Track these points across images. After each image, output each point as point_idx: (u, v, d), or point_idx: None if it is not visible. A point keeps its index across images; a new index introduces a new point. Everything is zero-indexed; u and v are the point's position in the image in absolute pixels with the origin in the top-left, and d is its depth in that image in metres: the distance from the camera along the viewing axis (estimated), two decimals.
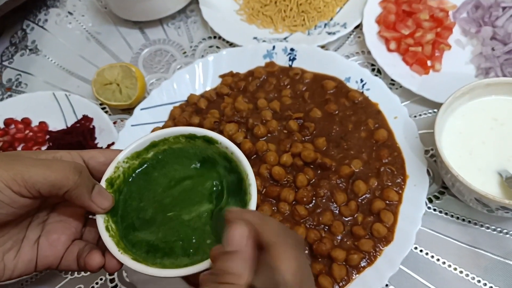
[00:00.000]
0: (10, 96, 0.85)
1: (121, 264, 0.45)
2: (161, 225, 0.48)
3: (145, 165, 0.52)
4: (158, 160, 0.53)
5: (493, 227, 0.61)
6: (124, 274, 0.63)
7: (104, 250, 0.46)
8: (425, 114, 0.72)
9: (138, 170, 0.52)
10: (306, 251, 0.59)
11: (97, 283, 0.64)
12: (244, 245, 0.34)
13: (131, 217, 0.49)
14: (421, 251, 0.61)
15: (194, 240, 0.47)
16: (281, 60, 0.77)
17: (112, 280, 0.64)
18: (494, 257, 0.59)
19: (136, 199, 0.50)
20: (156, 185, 0.51)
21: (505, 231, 0.61)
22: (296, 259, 0.34)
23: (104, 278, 0.64)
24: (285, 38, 0.83)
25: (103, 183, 0.48)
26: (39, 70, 0.88)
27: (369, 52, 0.76)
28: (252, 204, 0.46)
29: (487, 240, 0.61)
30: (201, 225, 0.48)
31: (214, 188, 0.51)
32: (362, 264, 0.58)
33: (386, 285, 0.59)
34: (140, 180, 0.51)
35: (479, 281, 0.58)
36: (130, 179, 0.51)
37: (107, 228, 0.46)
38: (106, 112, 0.79)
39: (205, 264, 0.42)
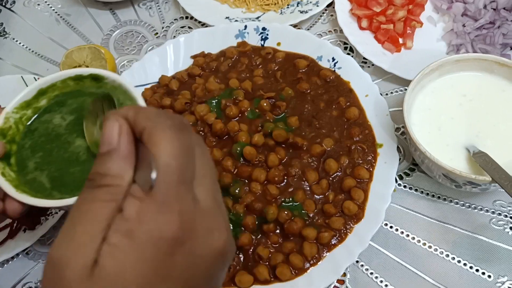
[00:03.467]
0: None
1: (23, 205, 0.47)
2: (57, 165, 0.51)
3: (39, 113, 0.54)
4: (53, 105, 0.55)
5: (461, 202, 0.62)
6: None
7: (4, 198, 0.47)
8: (396, 92, 0.72)
9: (33, 119, 0.54)
10: (278, 231, 0.60)
11: None
12: (117, 142, 0.29)
13: (29, 163, 0.51)
14: (391, 227, 0.61)
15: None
16: (253, 40, 0.76)
17: None
18: (462, 231, 0.60)
19: (36, 147, 0.52)
20: (53, 131, 0.53)
21: (473, 206, 0.62)
22: (177, 140, 0.29)
23: None
24: (257, 18, 0.82)
25: None
26: (7, 54, 0.86)
27: (341, 31, 0.76)
28: None
29: (455, 215, 0.61)
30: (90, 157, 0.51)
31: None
32: (333, 241, 0.58)
33: (357, 261, 0.59)
34: (38, 128, 0.54)
35: (447, 255, 0.59)
36: (27, 129, 0.53)
37: (2, 174, 0.48)
38: None
39: None
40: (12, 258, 0.65)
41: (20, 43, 0.87)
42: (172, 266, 0.28)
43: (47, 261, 0.28)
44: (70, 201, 0.46)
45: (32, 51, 0.86)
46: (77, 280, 0.26)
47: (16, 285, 0.63)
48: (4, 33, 0.89)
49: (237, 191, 0.61)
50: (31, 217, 0.65)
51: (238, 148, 0.63)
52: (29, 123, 0.54)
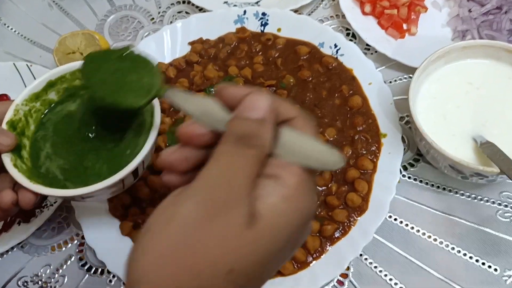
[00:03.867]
0: None
1: (36, 196, 0.47)
2: (70, 157, 0.51)
3: (52, 106, 0.54)
4: (65, 98, 0.54)
5: (467, 194, 0.61)
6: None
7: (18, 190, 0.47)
8: (400, 79, 0.70)
9: (47, 113, 0.54)
10: None
11: (66, 262, 0.62)
12: (269, 113, 0.32)
13: (42, 156, 0.51)
14: (395, 219, 0.60)
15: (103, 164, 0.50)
16: (253, 26, 0.74)
17: (81, 258, 0.62)
18: (469, 224, 0.59)
19: (48, 139, 0.52)
20: (66, 124, 0.53)
21: (479, 197, 0.60)
22: (312, 128, 0.33)
23: (73, 257, 0.63)
24: (257, 2, 0.79)
25: (4, 126, 0.49)
26: (0, 41, 0.83)
27: (343, 16, 0.74)
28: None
29: (461, 207, 0.60)
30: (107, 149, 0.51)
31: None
32: (336, 234, 0.57)
33: (360, 254, 0.58)
34: (50, 121, 0.53)
35: (453, 248, 0.58)
36: (39, 122, 0.53)
37: (15, 166, 0.47)
38: None
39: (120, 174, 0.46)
40: (7, 251, 0.63)
41: (12, 29, 0.84)
42: (298, 236, 0.32)
43: (192, 193, 0.30)
44: (81, 190, 0.46)
45: (25, 38, 0.83)
46: (242, 224, 0.29)
47: (12, 279, 0.62)
48: None
49: None
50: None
51: None
52: (42, 116, 0.54)
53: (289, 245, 0.31)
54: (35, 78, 0.74)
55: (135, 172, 0.48)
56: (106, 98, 0.44)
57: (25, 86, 0.74)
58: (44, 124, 0.53)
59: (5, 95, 0.74)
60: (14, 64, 0.75)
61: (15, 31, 0.84)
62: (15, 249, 0.64)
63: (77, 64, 0.53)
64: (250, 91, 0.33)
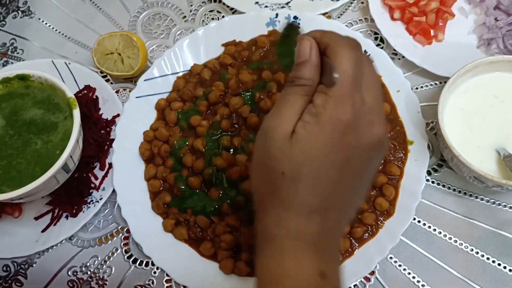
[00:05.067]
0: (7, 62, 0.84)
1: None
2: (4, 163, 0.62)
3: None
4: None
5: (487, 199, 0.65)
6: (139, 246, 0.66)
7: None
8: (426, 86, 0.73)
9: None
10: None
11: (112, 254, 0.67)
12: (308, 54, 0.41)
13: None
14: (419, 221, 0.65)
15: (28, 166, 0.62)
16: None
17: (127, 251, 0.67)
18: (487, 227, 0.64)
19: None
20: None
21: (498, 202, 0.65)
22: (352, 55, 0.39)
23: (119, 250, 0.68)
24: (287, 3, 0.81)
25: None
26: (34, 35, 0.86)
27: (372, 20, 0.76)
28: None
29: (481, 211, 0.65)
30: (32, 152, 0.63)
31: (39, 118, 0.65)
32: (365, 236, 0.62)
33: None
34: None
35: (471, 250, 0.63)
36: None
37: None
38: (107, 81, 0.78)
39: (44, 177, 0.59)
40: (56, 243, 0.68)
41: (46, 23, 0.87)
42: (342, 141, 0.39)
43: (260, 130, 0.42)
44: (16, 192, 0.58)
45: (59, 32, 0.85)
46: (281, 139, 0.39)
47: (62, 269, 0.67)
48: (29, 12, 0.88)
49: None
50: (73, 204, 0.68)
51: None
52: None
53: (332, 149, 0.39)
54: (73, 76, 0.77)
55: (66, 167, 0.62)
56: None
57: (64, 83, 0.78)
58: None
59: None
60: (52, 61, 0.78)
61: (49, 25, 0.86)
62: (64, 241, 0.69)
63: None
64: (304, 36, 0.42)
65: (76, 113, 0.63)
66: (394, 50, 0.74)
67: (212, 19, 0.83)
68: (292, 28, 0.49)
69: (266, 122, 0.41)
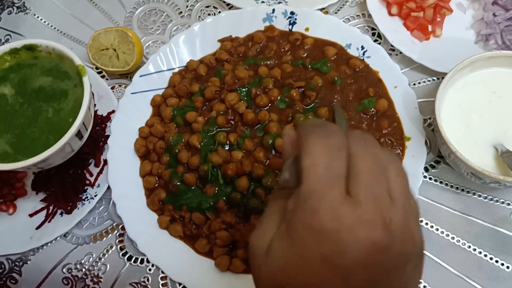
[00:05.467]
0: None
1: None
2: (13, 131, 0.62)
3: None
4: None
5: (484, 195, 0.65)
6: (134, 243, 0.66)
7: None
8: (424, 82, 0.72)
9: None
10: None
11: (107, 251, 0.67)
12: (287, 150, 0.36)
13: None
14: None
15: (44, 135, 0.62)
16: (281, 24, 0.76)
17: (122, 248, 0.67)
18: (484, 224, 0.63)
19: None
20: (2, 101, 0.64)
21: (495, 199, 0.64)
22: (320, 143, 0.32)
23: (114, 247, 0.67)
24: None
25: None
26: (29, 30, 0.85)
27: (369, 15, 0.76)
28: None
29: (478, 208, 0.64)
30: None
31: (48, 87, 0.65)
32: None
33: None
34: None
35: (469, 247, 0.62)
36: None
37: None
38: (103, 77, 0.78)
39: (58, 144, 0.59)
40: (51, 240, 0.68)
41: (41, 19, 0.86)
42: (320, 254, 0.30)
43: (249, 245, 0.36)
44: (31, 160, 0.57)
45: (54, 28, 0.85)
46: (259, 256, 0.34)
47: (57, 266, 0.67)
48: (25, 8, 0.87)
49: (269, 182, 0.63)
50: (68, 201, 0.68)
51: (270, 140, 0.65)
52: None
53: (310, 265, 0.31)
54: None
55: (79, 134, 0.62)
56: None
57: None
58: None
59: None
60: None
61: (44, 21, 0.86)
62: (58, 238, 0.68)
63: (2, 48, 0.64)
64: (285, 132, 0.38)
65: (86, 80, 0.63)
66: (392, 45, 0.74)
67: (209, 14, 0.82)
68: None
69: (250, 237, 0.36)
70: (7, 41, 0.84)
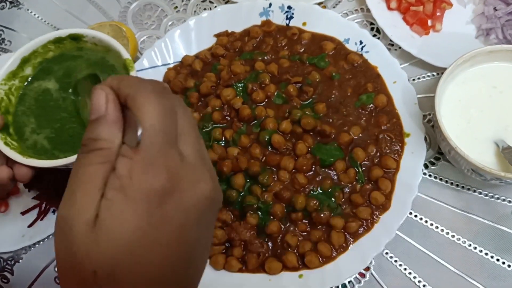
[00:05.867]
0: None
1: (31, 169, 0.51)
2: (53, 126, 0.56)
3: (29, 81, 0.58)
4: (39, 73, 0.59)
5: (485, 193, 0.63)
6: None
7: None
8: (423, 77, 0.71)
9: (24, 87, 0.58)
10: (306, 220, 0.61)
11: None
12: (104, 109, 0.32)
13: (26, 130, 0.55)
14: (415, 216, 0.63)
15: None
16: (278, 19, 0.74)
17: None
18: (485, 221, 0.62)
19: (30, 113, 0.56)
20: (44, 95, 0.58)
21: (496, 196, 0.63)
22: (159, 103, 0.32)
23: None
24: None
25: None
26: (22, 26, 0.83)
27: (368, 10, 0.74)
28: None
29: (479, 205, 0.63)
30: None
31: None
32: (360, 231, 0.60)
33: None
34: (28, 95, 0.58)
35: (469, 245, 0.61)
36: (19, 98, 0.57)
37: (6, 144, 0.52)
38: None
39: None
40: (43, 239, 0.66)
41: (35, 14, 0.84)
42: (164, 215, 0.30)
43: (56, 221, 0.31)
44: (72, 158, 0.51)
45: (48, 24, 0.83)
46: (83, 232, 0.29)
47: (49, 265, 0.66)
48: (18, 3, 0.86)
49: (265, 179, 0.62)
50: (61, 199, 0.66)
51: (266, 136, 0.63)
52: (20, 92, 0.58)
53: (152, 227, 0.30)
54: None
55: None
56: None
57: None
58: (23, 99, 0.57)
59: None
60: None
61: (38, 16, 0.84)
62: (51, 236, 0.67)
63: (46, 36, 0.59)
64: (98, 86, 0.34)
65: (133, 74, 0.57)
66: (391, 40, 0.72)
67: (204, 9, 0.81)
68: (92, 77, 0.45)
69: (60, 212, 0.31)
70: None
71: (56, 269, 0.65)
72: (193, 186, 0.32)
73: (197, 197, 0.32)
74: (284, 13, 0.74)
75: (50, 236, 0.66)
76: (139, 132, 0.31)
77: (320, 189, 0.62)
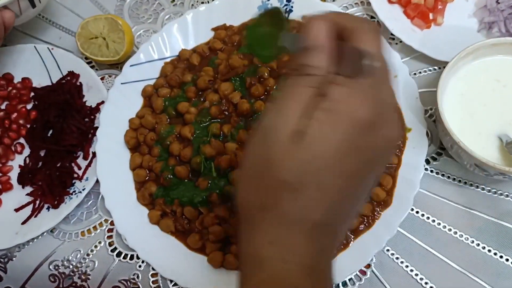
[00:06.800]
0: None
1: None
2: None
3: None
4: None
5: (488, 188, 0.62)
6: (123, 238, 0.63)
7: None
8: (425, 71, 0.70)
9: None
10: None
11: (95, 247, 0.64)
12: (322, 38, 0.34)
13: None
14: (417, 212, 0.62)
15: None
16: None
17: (111, 244, 0.64)
18: (488, 218, 0.61)
19: None
20: None
21: (499, 192, 0.62)
22: (380, 42, 0.35)
23: (102, 242, 0.64)
24: None
25: None
26: (16, 20, 0.82)
27: (368, 3, 0.73)
28: None
29: (482, 202, 0.62)
30: None
31: None
32: (361, 228, 0.59)
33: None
34: None
35: (472, 242, 0.60)
36: None
37: None
38: (92, 67, 0.75)
39: None
40: (37, 236, 0.65)
41: None
42: (359, 145, 0.32)
43: (257, 131, 0.34)
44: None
45: (43, 17, 0.82)
46: (285, 141, 0.32)
47: (43, 263, 0.64)
48: None
49: None
50: (55, 195, 0.65)
51: None
52: None
53: (346, 154, 0.32)
54: (56, 62, 0.74)
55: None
56: None
57: (47, 70, 0.75)
58: None
59: (27, 78, 0.74)
60: (35, 47, 0.75)
61: None
62: (45, 234, 0.65)
63: None
64: (313, 17, 0.35)
65: None
66: (392, 34, 0.71)
67: (202, 2, 0.79)
68: (274, 12, 0.41)
69: (265, 121, 0.34)
70: None
71: (53, 267, 0.64)
72: (388, 127, 0.34)
73: (388, 138, 0.34)
74: (283, 7, 0.73)
75: (45, 234, 0.65)
76: (365, 62, 0.33)
77: None
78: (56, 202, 0.65)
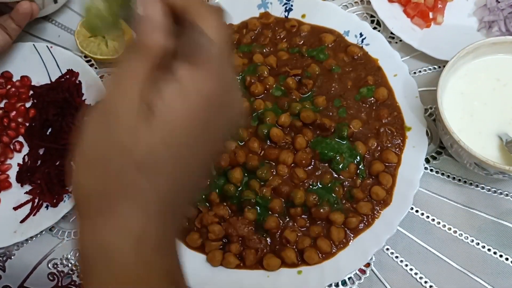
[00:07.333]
0: None
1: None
2: None
3: None
4: None
5: (488, 187, 0.62)
6: None
7: None
8: (424, 70, 0.70)
9: None
10: (305, 215, 0.60)
11: None
12: (158, 14, 0.32)
13: None
14: (416, 211, 0.62)
15: None
16: (276, 11, 0.73)
17: None
18: (488, 217, 0.61)
19: None
20: None
21: (499, 191, 0.62)
22: (220, 20, 0.34)
23: None
24: None
25: None
26: None
27: (368, 2, 0.73)
28: None
29: (482, 201, 0.62)
30: None
31: None
32: (360, 226, 0.59)
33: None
34: None
35: (472, 241, 0.60)
36: None
37: None
38: (91, 65, 0.75)
39: None
40: (36, 234, 0.65)
41: None
42: (207, 118, 0.33)
43: (92, 110, 0.32)
44: None
45: (41, 15, 0.81)
46: (130, 118, 0.30)
47: (42, 261, 0.64)
48: None
49: (264, 174, 0.60)
50: (54, 194, 0.65)
51: (265, 130, 0.62)
52: None
53: (198, 131, 0.32)
54: (55, 60, 0.74)
55: None
56: None
57: (46, 68, 0.74)
58: None
59: (26, 77, 0.74)
60: (34, 45, 0.74)
61: None
62: (44, 232, 0.65)
63: None
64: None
65: None
66: (391, 33, 0.71)
67: None
68: None
69: (105, 101, 0.32)
70: None
71: (52, 265, 0.63)
72: (236, 103, 0.36)
73: (233, 118, 0.36)
74: (283, 5, 0.73)
75: (44, 232, 0.65)
76: (203, 41, 0.32)
77: (319, 184, 0.60)
78: (55, 201, 0.65)
